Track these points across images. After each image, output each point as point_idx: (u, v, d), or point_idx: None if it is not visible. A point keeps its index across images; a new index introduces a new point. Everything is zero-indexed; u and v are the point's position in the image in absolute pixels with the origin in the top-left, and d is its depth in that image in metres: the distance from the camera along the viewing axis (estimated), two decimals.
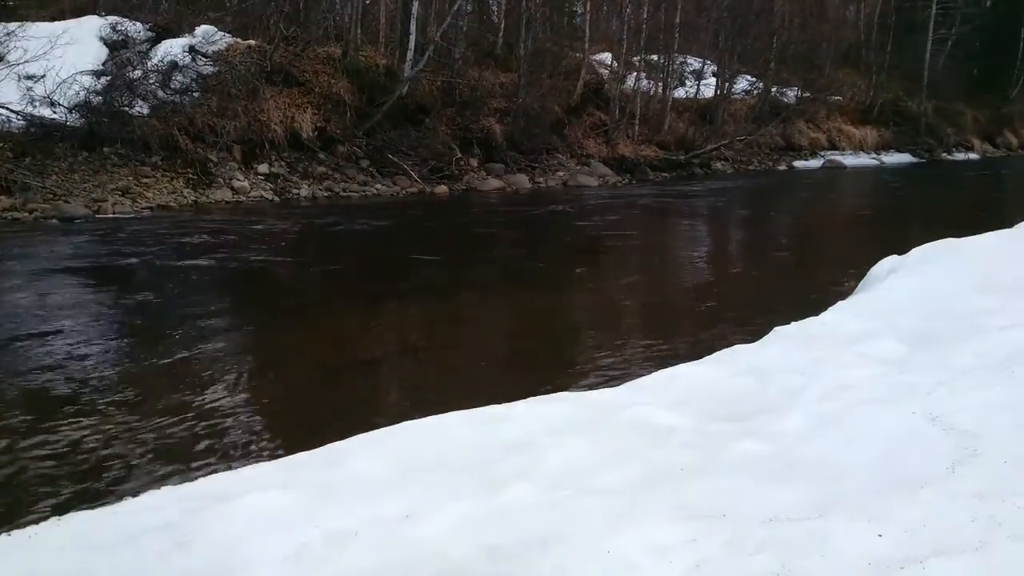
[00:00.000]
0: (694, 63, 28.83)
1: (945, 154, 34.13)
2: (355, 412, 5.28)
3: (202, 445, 4.63)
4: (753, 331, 5.98)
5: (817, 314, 6.04)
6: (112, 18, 17.55)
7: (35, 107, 14.37)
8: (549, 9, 26.86)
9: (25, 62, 14.27)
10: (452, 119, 20.10)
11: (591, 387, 5.36)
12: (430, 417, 3.97)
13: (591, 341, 7.28)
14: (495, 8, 26.04)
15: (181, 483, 3.44)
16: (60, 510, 3.53)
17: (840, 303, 6.42)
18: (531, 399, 4.26)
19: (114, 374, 5.81)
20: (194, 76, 16.67)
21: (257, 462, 3.84)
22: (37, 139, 14.02)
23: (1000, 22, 38.39)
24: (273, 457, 3.94)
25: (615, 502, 3.03)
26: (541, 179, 20.39)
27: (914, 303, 5.92)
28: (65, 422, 4.86)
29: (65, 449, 4.49)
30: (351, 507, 3.00)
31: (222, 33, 18.03)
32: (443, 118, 19.86)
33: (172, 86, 16.25)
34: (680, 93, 27.51)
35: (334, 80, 18.47)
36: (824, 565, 2.45)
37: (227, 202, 14.93)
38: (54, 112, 14.52)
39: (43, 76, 14.49)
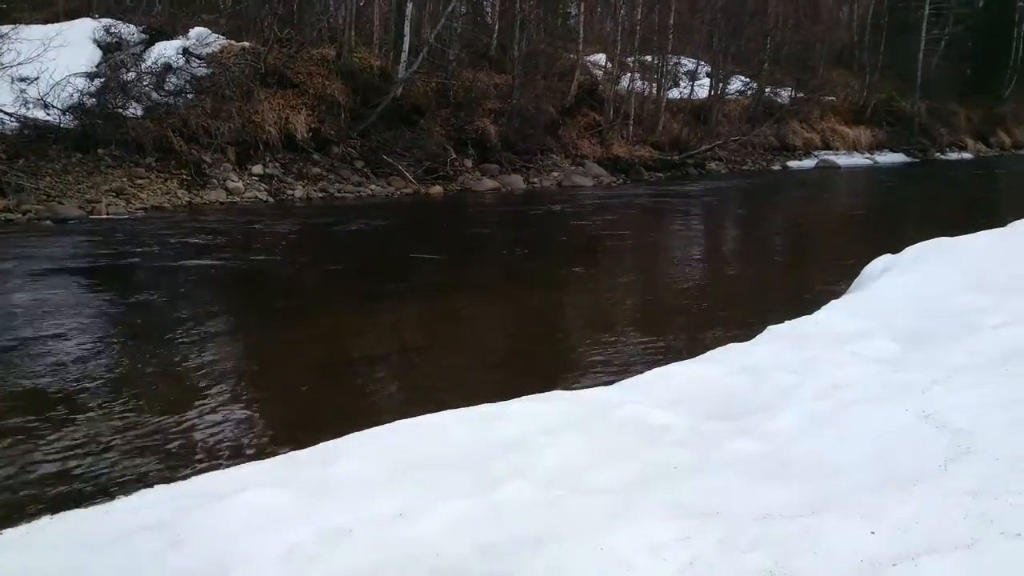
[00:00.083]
0: (688, 64, 28.85)
1: (938, 154, 34.21)
2: (350, 411, 5.28)
3: (197, 444, 4.62)
4: (747, 330, 5.99)
5: (811, 313, 6.06)
6: (105, 20, 17.54)
7: (29, 109, 14.33)
8: (543, 10, 26.86)
9: (18, 64, 14.21)
10: (446, 120, 20.09)
11: (585, 386, 5.37)
12: (425, 416, 3.98)
13: (586, 340, 7.29)
14: (489, 9, 26.07)
15: (175, 482, 3.44)
16: (54, 508, 3.53)
17: (833, 302, 6.43)
18: (526, 398, 4.26)
19: (108, 374, 5.80)
20: (188, 78, 16.64)
21: (251, 461, 3.84)
22: (31, 141, 14.00)
23: (993, 22, 38.49)
24: (268, 456, 3.93)
25: (609, 500, 3.03)
26: (536, 180, 20.39)
27: (907, 302, 5.94)
28: (60, 421, 4.85)
29: (59, 448, 4.48)
30: (345, 505, 3.00)
31: (216, 35, 18.00)
32: (437, 119, 19.86)
33: (166, 88, 16.22)
34: (674, 94, 27.52)
35: (328, 81, 18.46)
36: (817, 563, 2.46)
37: (221, 203, 14.91)
38: (48, 114, 14.49)
39: (36, 78, 14.44)
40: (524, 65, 21.75)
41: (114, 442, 4.60)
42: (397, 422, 3.92)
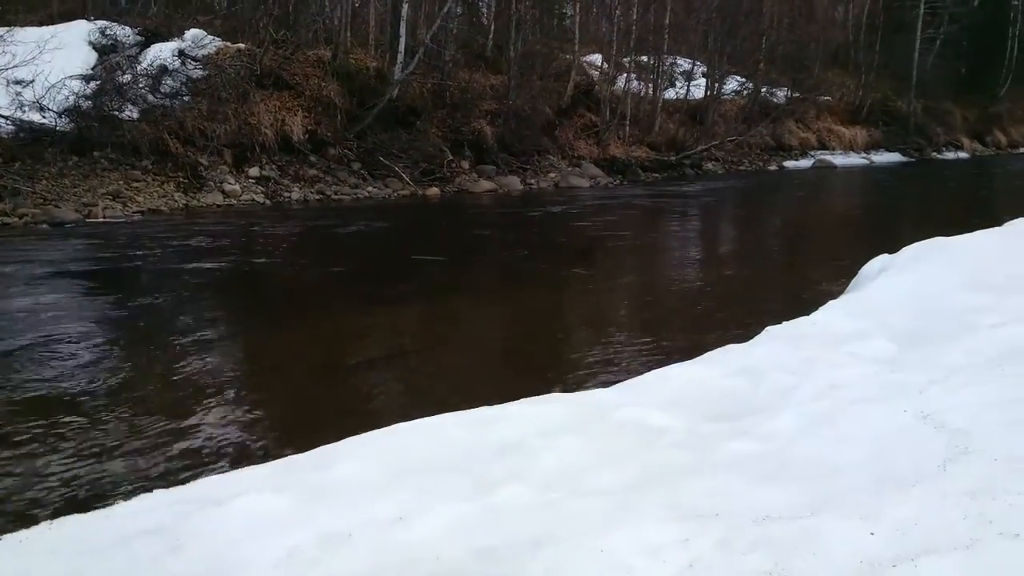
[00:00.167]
0: (684, 64, 28.85)
1: (934, 153, 34.27)
2: (348, 414, 5.28)
3: (195, 448, 4.62)
4: (745, 331, 5.99)
5: (808, 313, 6.06)
6: (101, 22, 17.51)
7: (24, 112, 14.30)
8: (539, 11, 26.89)
9: (14, 67, 14.20)
10: (443, 121, 20.10)
11: (584, 388, 5.37)
12: (423, 418, 3.97)
13: (584, 341, 7.29)
14: (485, 10, 26.06)
15: (174, 486, 3.43)
16: (53, 514, 3.53)
17: (831, 302, 6.43)
18: (524, 400, 4.25)
19: (105, 378, 5.79)
20: (184, 80, 16.64)
21: (250, 464, 3.84)
22: (26, 144, 13.98)
23: (988, 21, 38.54)
24: (266, 460, 3.93)
25: (608, 503, 3.03)
26: (532, 180, 20.40)
27: (905, 302, 5.94)
28: (58, 426, 4.84)
29: (58, 453, 4.47)
30: (343, 509, 3.00)
31: (211, 37, 18.00)
32: (434, 120, 19.86)
33: (162, 90, 16.22)
34: (670, 94, 27.54)
35: (324, 83, 18.46)
36: (816, 564, 2.46)
37: (218, 206, 14.90)
38: (43, 117, 14.47)
39: (32, 81, 14.42)
40: (520, 66, 21.77)
41: (113, 447, 4.60)
42: (395, 425, 3.92)
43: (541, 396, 4.37)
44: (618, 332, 7.62)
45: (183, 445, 4.66)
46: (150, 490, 3.42)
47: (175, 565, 2.68)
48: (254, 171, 16.39)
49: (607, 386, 4.89)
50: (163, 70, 16.48)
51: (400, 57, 18.92)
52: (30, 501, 3.95)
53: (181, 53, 17.10)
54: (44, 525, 3.03)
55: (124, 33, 17.30)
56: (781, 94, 30.07)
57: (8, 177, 13.01)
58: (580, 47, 24.66)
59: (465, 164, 19.72)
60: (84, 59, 16.22)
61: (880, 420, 3.59)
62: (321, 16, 20.80)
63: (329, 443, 3.74)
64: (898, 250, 7.43)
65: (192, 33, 17.83)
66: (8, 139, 13.92)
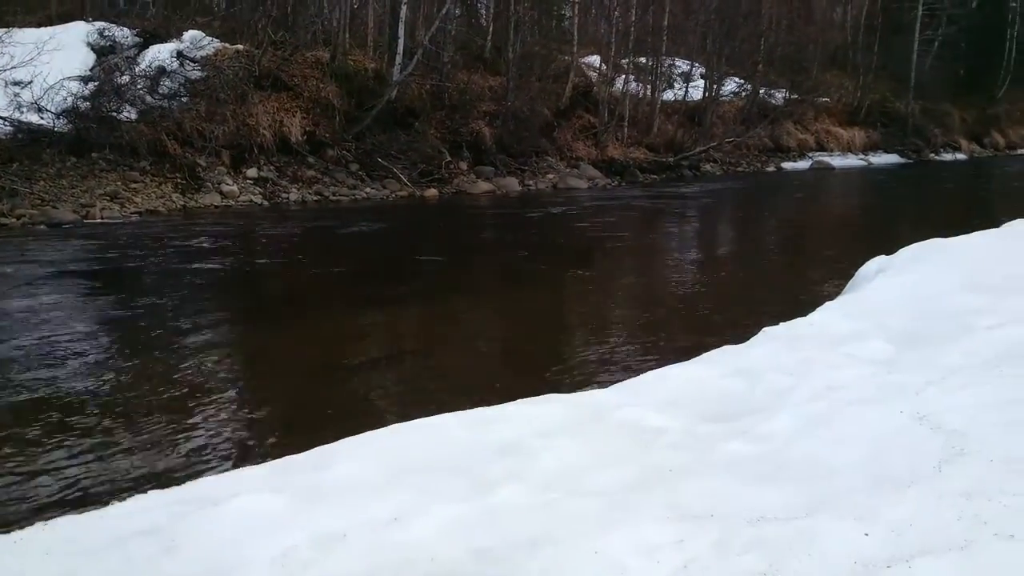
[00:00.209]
0: (682, 65, 28.88)
1: (932, 155, 34.30)
2: (347, 414, 5.28)
3: (192, 448, 4.62)
4: (742, 332, 5.99)
5: (805, 314, 6.06)
6: (99, 24, 17.52)
7: (22, 113, 14.32)
8: (537, 12, 26.91)
9: (12, 68, 14.21)
10: (441, 122, 20.12)
11: (582, 388, 5.37)
12: (420, 419, 3.97)
13: (582, 342, 7.30)
14: (483, 12, 26.07)
15: (170, 486, 3.43)
16: (47, 514, 3.52)
17: (828, 303, 6.43)
18: (522, 400, 4.25)
19: (102, 378, 5.79)
20: (182, 81, 16.65)
21: (247, 465, 3.84)
22: (25, 145, 13.98)
23: (986, 23, 38.59)
24: (263, 460, 3.93)
25: (605, 503, 3.03)
26: (531, 182, 20.41)
27: (902, 303, 5.94)
28: (54, 427, 4.84)
29: (54, 453, 4.47)
30: (340, 509, 2.99)
31: (210, 38, 18.01)
32: (432, 121, 19.88)
33: (160, 91, 16.24)
34: (669, 95, 27.56)
35: (323, 84, 18.47)
36: (811, 565, 2.46)
37: (216, 207, 14.90)
38: (42, 118, 14.48)
39: (30, 82, 14.44)
40: (519, 67, 21.79)
41: (109, 447, 4.60)
42: (393, 425, 3.92)
43: (539, 396, 4.37)
44: (616, 332, 7.62)
45: (180, 445, 4.66)
46: (145, 490, 3.42)
47: (170, 565, 2.67)
48: (252, 172, 16.39)
49: (605, 386, 4.90)
50: (161, 71, 16.50)
51: (398, 58, 18.93)
52: (24, 501, 3.95)
53: (179, 54, 17.11)
54: (39, 525, 3.03)
55: (122, 34, 17.32)
56: (779, 95, 30.09)
57: (6, 178, 13.01)
58: (578, 48, 24.69)
59: (463, 165, 19.73)
60: (82, 60, 16.23)
61: (877, 421, 3.60)
62: (320, 17, 20.82)
63: (327, 443, 3.74)
64: (895, 251, 7.44)
65: (190, 34, 17.84)
66: (6, 140, 13.93)
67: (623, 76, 25.35)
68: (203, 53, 17.44)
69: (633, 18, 25.93)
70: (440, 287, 9.48)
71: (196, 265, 9.98)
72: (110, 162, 14.64)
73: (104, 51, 16.82)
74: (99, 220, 12.88)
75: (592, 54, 26.93)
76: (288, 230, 13.15)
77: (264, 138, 16.82)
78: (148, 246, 11.03)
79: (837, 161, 29.63)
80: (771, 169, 27.73)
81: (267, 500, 3.07)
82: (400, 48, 18.93)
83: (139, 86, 15.99)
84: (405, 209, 16.55)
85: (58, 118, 14.57)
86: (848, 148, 31.79)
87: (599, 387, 4.99)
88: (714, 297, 9.10)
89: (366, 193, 17.38)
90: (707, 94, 27.43)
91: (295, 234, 12.90)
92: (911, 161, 32.62)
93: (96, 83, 15.60)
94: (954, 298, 5.77)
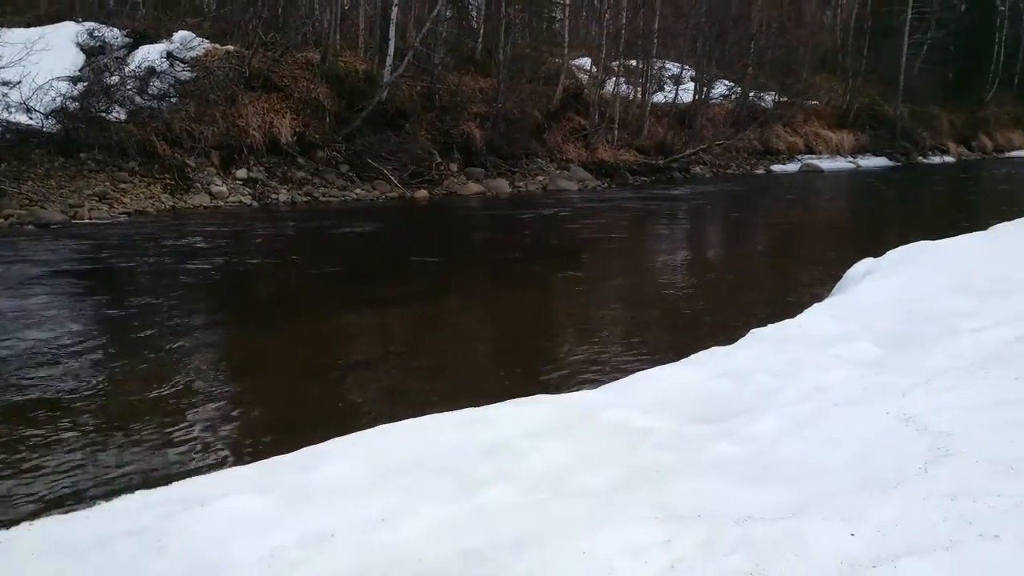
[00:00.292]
0: (673, 68, 28.94)
1: (921, 157, 34.43)
2: (334, 415, 5.27)
3: (179, 449, 4.60)
4: (730, 333, 6.01)
5: (793, 316, 6.09)
6: (89, 24, 17.45)
7: (11, 113, 14.26)
8: (528, 14, 26.95)
9: (1, 68, 14.15)
10: (432, 124, 20.11)
11: (570, 389, 5.38)
12: (409, 419, 3.98)
13: (571, 343, 7.30)
14: (474, 14, 26.10)
15: (157, 487, 3.42)
16: (33, 515, 3.51)
17: (816, 305, 6.46)
18: (510, 401, 4.26)
19: (89, 379, 5.77)
20: (172, 82, 16.60)
21: (234, 465, 3.83)
22: (13, 145, 13.92)
23: (975, 26, 38.79)
24: (251, 460, 3.92)
25: (592, 504, 3.04)
26: (521, 183, 20.41)
27: (889, 305, 5.97)
28: (40, 428, 4.82)
29: (40, 454, 4.45)
30: (327, 510, 2.99)
31: (200, 39, 17.96)
32: (423, 123, 19.87)
33: (150, 92, 16.18)
34: (659, 98, 27.61)
35: (313, 85, 18.44)
36: (798, 565, 2.47)
37: (205, 207, 14.86)
38: (30, 118, 14.42)
39: (19, 82, 14.37)
40: (509, 69, 21.79)
41: (95, 447, 4.58)
42: (381, 426, 3.92)
43: (528, 397, 4.38)
44: (605, 334, 7.63)
45: (167, 445, 4.64)
46: (132, 490, 3.41)
47: (157, 566, 2.67)
48: (242, 173, 16.35)
49: (593, 387, 4.91)
50: (151, 72, 16.44)
51: (389, 60, 18.91)
52: (10, 501, 3.93)
53: (169, 55, 17.06)
54: (24, 525, 3.02)
55: (112, 35, 17.25)
56: (769, 98, 30.18)
57: None
58: (569, 51, 24.71)
59: (454, 167, 19.72)
60: (72, 61, 16.17)
61: (863, 422, 3.61)
62: (310, 19, 20.79)
63: (315, 444, 3.74)
64: (883, 253, 7.48)
65: (180, 35, 17.79)
66: None
67: (613, 78, 25.39)
68: (193, 54, 17.40)
69: (623, 20, 25.98)
70: (430, 288, 9.47)
71: (185, 266, 9.95)
72: (99, 162, 14.58)
73: (93, 51, 16.75)
74: (87, 220, 12.83)
75: (583, 56, 26.96)
76: (278, 231, 13.13)
77: (254, 139, 16.78)
78: (137, 247, 10.99)
79: (826, 164, 29.72)
80: (760, 171, 27.80)
81: (254, 500, 3.07)
82: (391, 49, 18.92)
83: (128, 87, 15.94)
84: (395, 210, 16.53)
85: (47, 118, 14.51)
86: (837, 151, 31.90)
87: (587, 388, 5.00)
88: (702, 299, 9.12)
89: (356, 194, 17.36)
90: (697, 97, 27.48)
91: (285, 235, 12.88)
92: (899, 164, 32.73)
93: (85, 83, 15.54)
94: (941, 300, 5.81)
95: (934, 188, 25.53)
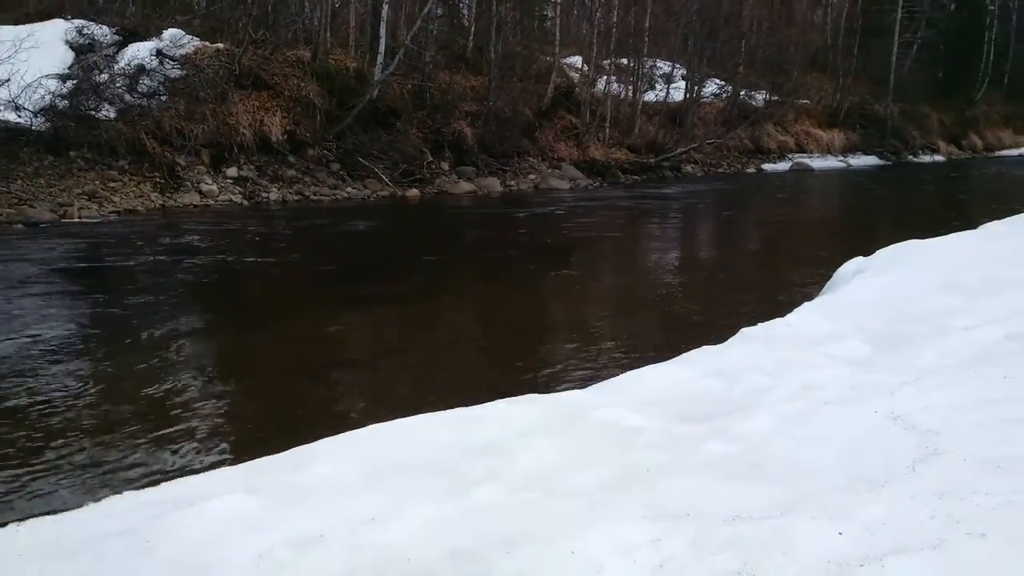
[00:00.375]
0: (664, 67, 28.97)
1: (911, 156, 34.56)
2: (325, 414, 5.27)
3: (168, 450, 4.59)
4: (721, 332, 6.02)
5: (784, 315, 6.10)
6: (78, 21, 17.37)
7: (0, 111, 14.18)
8: (519, 13, 26.94)
9: None
10: (423, 122, 20.08)
11: (561, 388, 5.38)
12: (399, 419, 3.97)
13: (562, 342, 7.30)
14: (465, 12, 26.06)
15: (146, 487, 3.41)
16: (21, 515, 3.49)
17: (806, 304, 6.48)
18: (500, 401, 4.26)
19: (77, 379, 5.74)
20: (162, 80, 16.53)
21: (225, 466, 3.82)
22: (2, 143, 13.83)
23: (964, 26, 38.95)
24: (241, 460, 3.92)
25: (582, 503, 3.04)
26: (512, 182, 20.41)
27: (879, 304, 5.99)
28: (29, 426, 4.80)
29: (28, 454, 4.43)
30: (317, 510, 2.99)
31: (190, 37, 17.90)
32: (414, 121, 19.83)
33: (139, 90, 16.11)
34: (650, 96, 27.63)
35: (303, 83, 18.39)
36: (785, 563, 2.48)
37: (195, 206, 14.81)
38: (19, 116, 14.34)
39: (7, 80, 14.28)
40: (500, 67, 21.77)
41: (84, 448, 4.56)
42: (371, 426, 3.92)
43: (518, 396, 4.38)
44: (596, 332, 7.63)
45: (156, 445, 4.62)
46: (121, 491, 3.40)
47: (145, 567, 2.66)
48: (232, 171, 16.30)
49: (584, 386, 4.91)
50: (141, 70, 16.37)
51: (380, 58, 18.88)
52: None
53: (159, 53, 16.99)
54: (12, 526, 3.00)
55: (101, 32, 17.17)
56: (760, 97, 30.26)
57: None
58: (560, 49, 24.71)
59: (445, 165, 19.70)
60: (61, 58, 16.10)
61: (852, 421, 3.63)
62: (301, 16, 20.75)
63: (305, 443, 3.73)
64: (873, 252, 7.50)
65: (170, 32, 17.72)
66: None
67: (605, 77, 25.41)
68: (183, 51, 17.33)
69: (615, 19, 25.98)
70: (422, 287, 9.47)
71: (175, 265, 9.92)
72: (88, 161, 14.52)
73: (83, 49, 16.68)
74: (77, 219, 12.78)
75: (574, 55, 26.96)
76: (268, 230, 13.10)
77: (244, 137, 16.73)
78: (127, 246, 10.95)
79: (817, 163, 29.81)
80: (751, 170, 27.86)
81: (244, 501, 3.07)
82: (381, 47, 18.89)
83: (118, 84, 15.86)
84: (386, 209, 16.51)
85: (36, 116, 14.43)
86: (828, 150, 32.00)
87: (578, 387, 5.00)
88: (693, 298, 9.12)
89: (347, 193, 17.34)
90: (688, 95, 27.52)
91: (276, 234, 12.84)
92: (890, 163, 32.85)
93: (75, 81, 15.47)
94: (930, 299, 5.84)
95: (924, 187, 25.61)
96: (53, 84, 15.00)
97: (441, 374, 6.35)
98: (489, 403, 4.22)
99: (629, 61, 26.62)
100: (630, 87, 26.49)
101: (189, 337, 6.97)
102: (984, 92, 40.45)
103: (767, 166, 28.62)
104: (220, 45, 18.02)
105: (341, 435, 3.81)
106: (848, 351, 4.93)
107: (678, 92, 28.03)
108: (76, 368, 6.01)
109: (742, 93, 29.56)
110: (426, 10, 20.46)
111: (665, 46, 28.44)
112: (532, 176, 21.12)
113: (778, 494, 2.96)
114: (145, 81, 16.29)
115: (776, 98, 30.19)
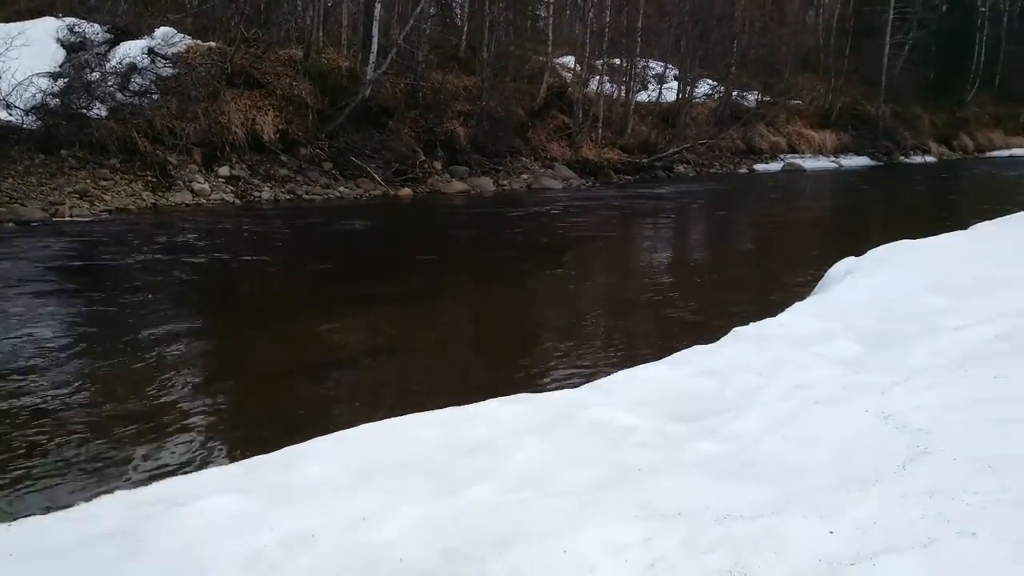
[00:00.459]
0: (656, 67, 28.99)
1: (902, 157, 34.65)
2: (316, 414, 5.26)
3: (158, 449, 4.57)
4: (712, 332, 6.03)
5: (776, 315, 6.11)
6: (69, 19, 17.28)
7: None
8: (512, 12, 26.93)
9: None
10: (415, 122, 20.07)
11: (553, 387, 5.38)
12: (390, 419, 3.97)
13: (554, 342, 7.30)
14: (458, 11, 26.04)
15: (136, 487, 3.40)
16: (10, 516, 3.48)
17: (798, 304, 6.49)
18: (492, 400, 4.26)
19: (67, 379, 5.72)
20: (153, 78, 16.48)
21: (216, 465, 3.81)
22: None
23: (956, 27, 39.07)
24: (232, 460, 3.91)
25: (574, 502, 3.04)
26: (505, 182, 20.41)
27: (870, 304, 6.01)
28: (20, 426, 4.79)
29: (18, 454, 4.42)
30: (308, 510, 2.98)
31: (182, 35, 17.84)
32: (406, 121, 19.82)
33: (131, 88, 16.05)
34: (642, 97, 27.65)
35: (296, 82, 18.36)
36: (776, 562, 2.48)
37: (187, 205, 14.77)
38: (10, 114, 14.29)
39: None
40: (493, 67, 21.78)
41: (74, 448, 4.55)
42: (362, 425, 3.91)
43: (510, 396, 4.38)
44: (589, 332, 7.64)
45: (147, 445, 4.61)
46: (111, 491, 3.39)
47: (135, 567, 2.65)
48: (224, 170, 16.26)
49: (576, 386, 4.91)
50: (132, 68, 16.31)
51: (372, 57, 18.86)
52: None
53: (151, 51, 16.93)
54: (3, 526, 2.99)
55: (93, 30, 17.10)
56: (752, 98, 30.30)
57: None
58: (553, 49, 24.70)
59: (437, 165, 19.70)
60: (52, 56, 16.02)
61: (843, 420, 3.63)
62: (293, 15, 20.69)
63: (297, 443, 3.72)
64: (864, 252, 7.52)
65: (162, 31, 17.66)
66: None
67: (597, 77, 25.43)
68: (175, 50, 17.27)
69: (607, 19, 26.01)
70: (414, 287, 9.46)
71: (166, 264, 9.89)
72: (80, 159, 14.47)
73: (74, 47, 16.61)
74: (68, 218, 12.74)
75: (567, 55, 26.98)
76: (260, 229, 13.07)
77: (236, 136, 16.69)
78: (118, 245, 10.92)
79: (808, 163, 29.86)
80: (743, 171, 27.91)
81: (235, 501, 3.06)
82: (374, 47, 18.86)
83: (110, 83, 15.81)
84: (379, 208, 16.49)
85: (27, 115, 14.38)
86: (819, 150, 32.06)
87: (570, 386, 5.00)
88: (686, 297, 9.13)
89: (339, 192, 17.31)
90: (680, 96, 27.54)
91: (267, 233, 12.82)
92: (881, 163, 32.93)
93: (66, 80, 15.40)
94: (921, 299, 5.85)
95: (915, 187, 25.68)
96: (44, 82, 14.94)
97: (433, 374, 6.35)
98: (481, 402, 4.22)
99: (622, 61, 26.64)
100: (623, 87, 26.51)
101: (180, 336, 6.95)
102: (975, 93, 40.59)
103: (759, 166, 28.68)
104: (212, 44, 17.97)
105: (333, 435, 3.81)
106: (839, 351, 4.95)
107: (670, 92, 28.07)
108: (66, 367, 5.99)
109: (734, 93, 29.62)
110: (419, 9, 20.44)
111: (657, 46, 28.46)
112: (525, 176, 21.12)
113: (769, 493, 2.96)
114: (137, 79, 16.23)
115: (768, 99, 30.25)
